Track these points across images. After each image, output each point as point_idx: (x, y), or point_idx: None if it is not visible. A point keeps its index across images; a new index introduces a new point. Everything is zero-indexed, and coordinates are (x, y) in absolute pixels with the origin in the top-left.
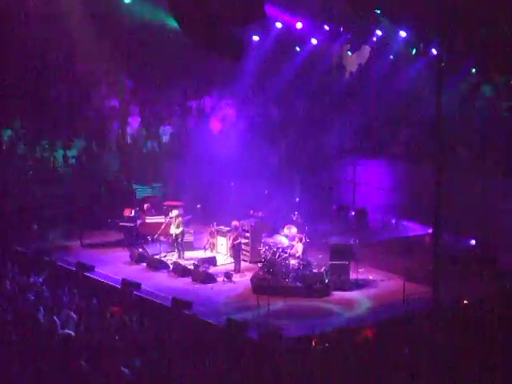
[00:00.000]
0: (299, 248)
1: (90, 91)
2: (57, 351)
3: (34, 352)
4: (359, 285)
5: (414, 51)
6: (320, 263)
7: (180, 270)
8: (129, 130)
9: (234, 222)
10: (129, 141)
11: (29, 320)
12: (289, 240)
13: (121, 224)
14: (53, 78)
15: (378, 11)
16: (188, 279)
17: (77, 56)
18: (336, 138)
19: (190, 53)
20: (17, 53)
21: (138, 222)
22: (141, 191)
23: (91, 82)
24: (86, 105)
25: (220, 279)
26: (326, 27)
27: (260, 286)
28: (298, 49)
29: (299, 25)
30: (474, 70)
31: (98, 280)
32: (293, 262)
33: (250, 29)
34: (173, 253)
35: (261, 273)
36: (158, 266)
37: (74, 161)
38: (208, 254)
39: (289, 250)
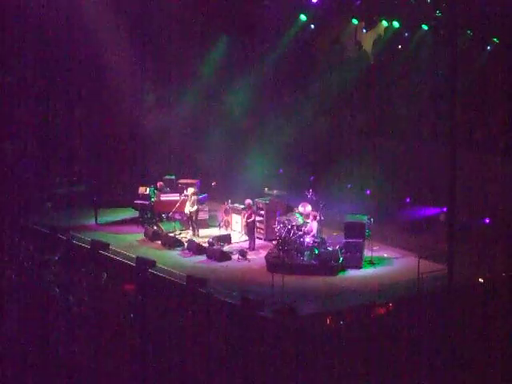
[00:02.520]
0: (314, 226)
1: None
2: (72, 327)
3: (48, 327)
4: (374, 262)
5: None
6: (334, 241)
7: (195, 248)
8: (144, 107)
9: (248, 201)
10: (143, 119)
11: (44, 296)
12: (303, 218)
13: (135, 202)
14: (65, 56)
15: None
16: (203, 257)
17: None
18: (351, 117)
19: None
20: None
21: (153, 199)
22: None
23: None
24: (100, 84)
25: (235, 257)
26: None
27: (274, 264)
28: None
29: None
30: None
31: (112, 258)
32: (307, 239)
33: (264, 5)
34: (187, 230)
35: (275, 250)
36: (172, 243)
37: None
38: (223, 231)
39: (303, 228)
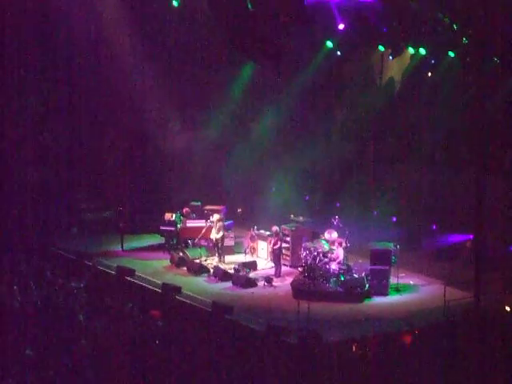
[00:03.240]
0: (340, 252)
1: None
2: (98, 354)
3: (73, 355)
4: (400, 289)
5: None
6: (360, 268)
7: (220, 274)
8: (170, 133)
9: (275, 227)
10: (170, 145)
11: (70, 323)
12: (329, 244)
13: (161, 228)
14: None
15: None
16: (228, 283)
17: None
18: (377, 144)
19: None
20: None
21: (179, 226)
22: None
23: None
24: (126, 110)
25: (260, 283)
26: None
27: (300, 291)
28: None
29: (341, 26)
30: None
31: (138, 284)
32: (333, 266)
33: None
34: (213, 257)
35: (301, 277)
36: (198, 270)
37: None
38: (248, 258)
39: (329, 255)
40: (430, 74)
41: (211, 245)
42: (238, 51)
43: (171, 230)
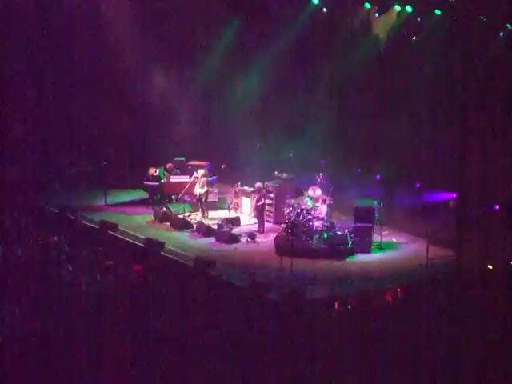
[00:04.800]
0: (323, 210)
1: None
2: (82, 309)
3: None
4: (382, 247)
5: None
6: (344, 225)
7: (204, 230)
8: (155, 88)
9: (258, 184)
10: (155, 100)
11: (54, 278)
12: (313, 201)
13: (145, 183)
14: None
15: None
16: (212, 239)
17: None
18: (361, 101)
19: None
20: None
21: (163, 181)
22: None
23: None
24: (111, 65)
25: (243, 239)
26: None
27: (283, 247)
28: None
29: None
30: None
31: (121, 238)
32: (316, 223)
33: None
34: (197, 212)
35: (284, 234)
36: (181, 225)
37: None
38: (232, 214)
39: (313, 212)
40: (415, 35)
41: (195, 200)
42: (223, 6)
43: (155, 185)
